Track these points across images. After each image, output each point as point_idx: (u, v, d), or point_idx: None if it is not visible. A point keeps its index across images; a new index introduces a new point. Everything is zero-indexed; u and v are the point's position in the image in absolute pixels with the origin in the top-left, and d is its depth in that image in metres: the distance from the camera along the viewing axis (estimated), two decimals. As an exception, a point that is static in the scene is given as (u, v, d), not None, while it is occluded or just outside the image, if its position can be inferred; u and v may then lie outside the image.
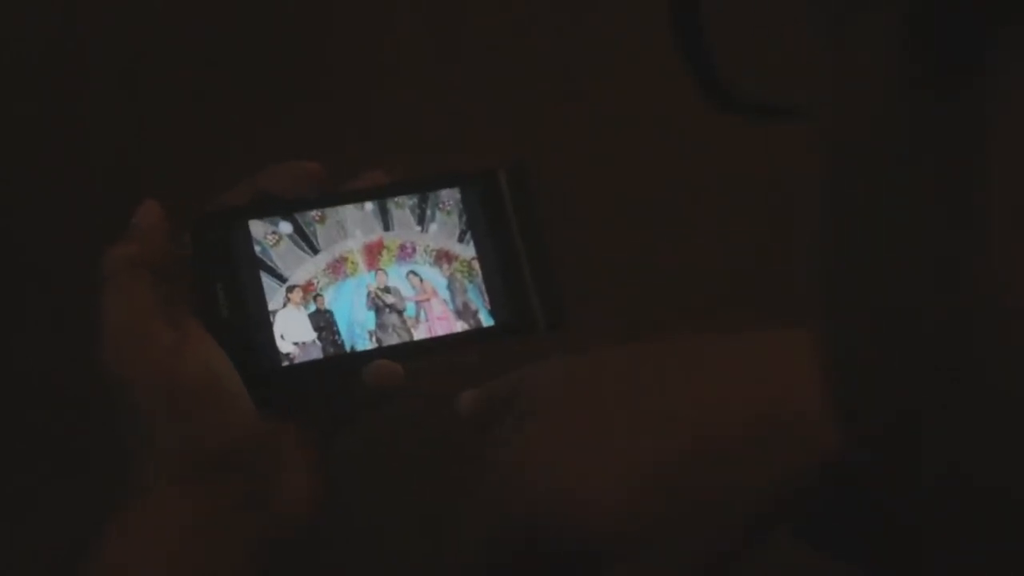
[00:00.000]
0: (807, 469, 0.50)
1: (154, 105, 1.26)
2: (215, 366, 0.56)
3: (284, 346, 0.59)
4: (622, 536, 0.49)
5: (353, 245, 0.60)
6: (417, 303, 0.60)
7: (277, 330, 0.59)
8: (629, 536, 0.49)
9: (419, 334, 0.60)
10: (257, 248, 0.59)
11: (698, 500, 0.50)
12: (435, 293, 0.61)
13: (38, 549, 1.00)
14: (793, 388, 0.51)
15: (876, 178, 0.32)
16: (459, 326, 0.60)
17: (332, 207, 0.60)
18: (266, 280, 0.59)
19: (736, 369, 0.53)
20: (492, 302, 0.61)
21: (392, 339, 0.60)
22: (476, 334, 0.60)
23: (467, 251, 0.61)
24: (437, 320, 0.60)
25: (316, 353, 0.59)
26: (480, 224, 0.61)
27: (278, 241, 0.60)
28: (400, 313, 0.60)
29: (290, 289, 0.59)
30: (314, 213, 0.60)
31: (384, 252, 0.61)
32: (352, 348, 0.59)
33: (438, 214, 0.61)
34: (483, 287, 0.61)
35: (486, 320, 0.61)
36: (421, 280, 0.61)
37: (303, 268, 0.60)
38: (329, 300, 0.60)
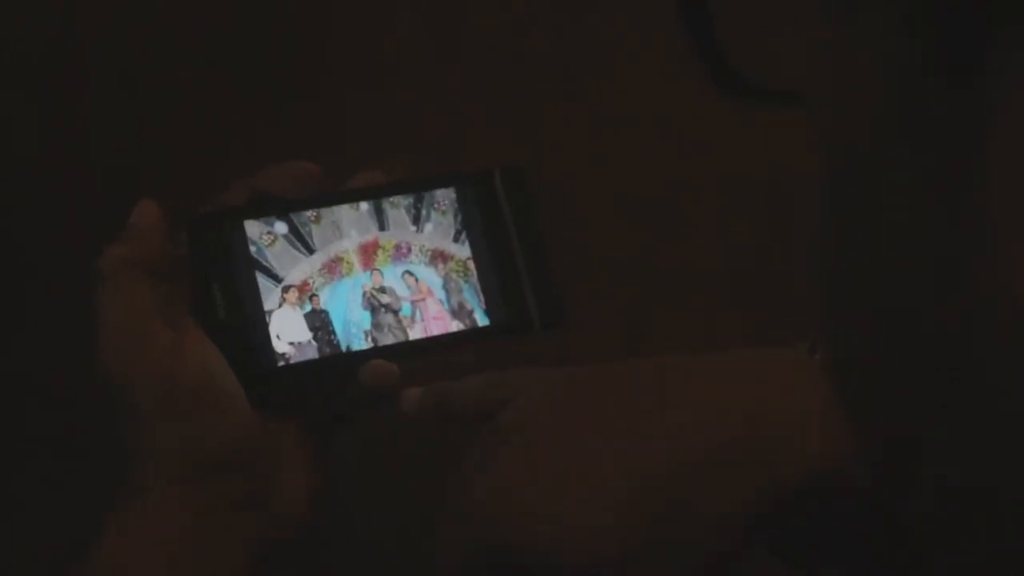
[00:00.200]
0: (790, 485, 0.50)
1: (154, 105, 1.26)
2: (212, 366, 0.56)
3: (280, 346, 0.59)
4: (605, 558, 0.49)
5: (348, 245, 0.60)
6: (413, 303, 0.60)
7: (273, 330, 0.59)
8: (612, 557, 0.49)
9: (415, 334, 0.60)
10: (253, 248, 0.59)
11: (681, 520, 0.50)
12: (431, 293, 0.61)
13: (38, 549, 1.00)
14: (776, 405, 0.51)
15: (876, 178, 0.32)
16: (455, 326, 0.60)
17: (327, 207, 0.60)
18: (262, 280, 0.59)
19: (719, 388, 0.53)
20: (488, 302, 0.61)
21: (388, 339, 0.60)
22: (472, 334, 0.60)
23: (462, 251, 0.61)
24: (433, 320, 0.60)
25: (312, 353, 0.59)
26: (475, 224, 0.61)
27: (274, 241, 0.60)
28: (396, 313, 0.60)
29: (286, 289, 0.59)
30: (309, 213, 0.60)
31: (379, 252, 0.61)
32: (348, 348, 0.59)
33: (433, 214, 0.61)
34: (478, 287, 0.61)
35: (482, 320, 0.61)
36: (417, 280, 0.61)
37: (299, 268, 0.60)
38: (325, 300, 0.60)
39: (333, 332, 0.59)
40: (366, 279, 0.60)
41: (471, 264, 0.61)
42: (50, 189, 1.22)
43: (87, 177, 1.23)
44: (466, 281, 0.61)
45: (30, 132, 1.24)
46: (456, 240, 0.61)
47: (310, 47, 1.29)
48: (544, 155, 1.17)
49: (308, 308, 0.59)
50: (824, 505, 0.51)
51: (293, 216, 0.60)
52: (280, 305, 0.59)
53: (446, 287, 0.61)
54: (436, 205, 0.62)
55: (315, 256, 0.60)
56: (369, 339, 0.60)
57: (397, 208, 0.61)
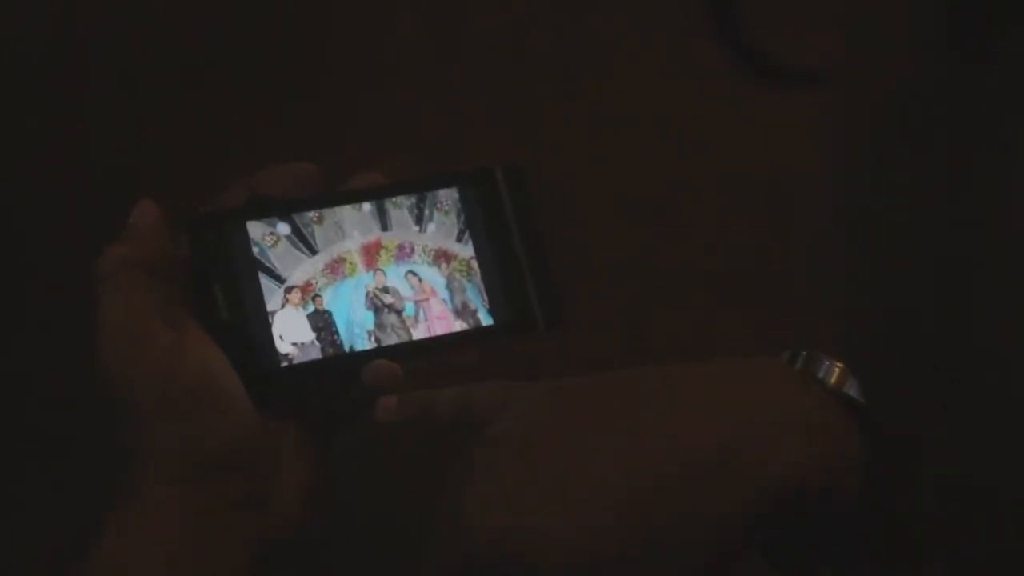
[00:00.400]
0: (771, 493, 0.50)
1: (154, 105, 1.26)
2: (213, 367, 0.56)
3: (283, 347, 0.59)
4: (605, 558, 0.49)
5: (351, 245, 0.60)
6: (416, 303, 0.60)
7: (276, 331, 0.59)
8: (612, 558, 0.49)
9: (418, 334, 0.60)
10: (255, 249, 0.59)
11: (681, 520, 0.50)
12: (434, 293, 0.61)
13: (38, 549, 1.00)
14: (757, 414, 0.51)
15: (878, 178, 0.32)
16: (458, 325, 0.60)
17: (330, 208, 0.60)
18: (264, 281, 0.59)
19: (700, 397, 0.53)
20: (491, 301, 0.61)
21: (391, 339, 0.60)
22: (475, 333, 0.60)
23: (466, 250, 0.61)
24: (436, 320, 0.60)
25: (315, 353, 0.59)
26: (478, 223, 0.61)
27: (276, 242, 0.60)
28: (399, 313, 0.60)
29: (288, 290, 0.59)
30: (312, 214, 0.60)
31: (382, 252, 0.61)
32: (351, 348, 0.59)
33: (436, 214, 0.61)
34: (482, 286, 0.61)
35: (485, 319, 0.61)
36: (420, 280, 0.61)
37: (301, 269, 0.60)
38: (327, 300, 0.60)
39: (336, 332, 0.59)
40: (369, 279, 0.60)
41: (474, 264, 0.61)
42: (50, 189, 1.22)
43: (87, 177, 1.23)
44: (469, 281, 0.61)
45: (30, 132, 1.24)
46: (459, 240, 0.61)
47: (310, 47, 1.29)
48: (544, 155, 1.17)
49: (311, 309, 0.59)
50: (819, 508, 0.51)
51: (295, 217, 0.60)
52: (283, 306, 0.59)
53: (449, 287, 0.61)
54: (439, 205, 0.62)
55: (318, 257, 0.60)
56: (372, 339, 0.60)
57: (400, 208, 0.61)
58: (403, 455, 1.01)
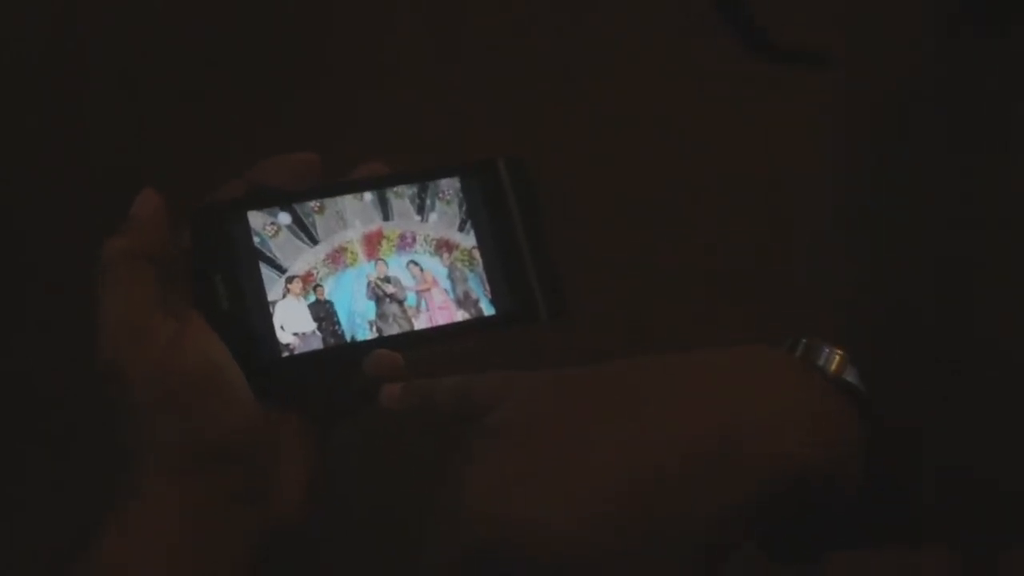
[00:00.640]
0: (773, 484, 0.50)
1: (154, 105, 1.26)
2: (215, 357, 0.56)
3: (284, 337, 0.58)
4: (606, 549, 0.49)
5: (352, 235, 0.60)
6: (418, 293, 0.60)
7: (277, 321, 0.58)
8: (614, 549, 0.49)
9: (420, 324, 0.60)
10: (256, 239, 0.59)
11: (662, 522, 0.49)
12: (436, 282, 0.60)
13: (38, 549, 1.00)
14: (758, 404, 0.51)
15: (878, 178, 0.32)
16: (460, 315, 0.60)
17: (331, 197, 0.60)
18: (265, 271, 0.59)
19: (701, 388, 0.53)
20: (493, 291, 0.61)
21: (393, 329, 0.60)
22: (477, 323, 0.60)
23: (467, 240, 0.61)
24: (438, 310, 0.60)
25: (316, 343, 0.59)
26: (480, 213, 0.61)
27: (277, 232, 0.59)
28: (400, 303, 0.60)
29: (289, 280, 0.59)
30: (313, 204, 0.60)
31: (384, 242, 0.61)
32: (352, 338, 0.59)
33: (438, 204, 0.61)
34: (484, 276, 0.61)
35: (487, 309, 0.61)
36: (421, 270, 0.60)
37: (302, 258, 0.59)
38: (329, 290, 0.59)
39: (337, 322, 0.59)
40: (371, 269, 0.60)
41: (476, 253, 0.61)
42: (50, 189, 1.23)
43: (87, 177, 1.23)
44: (471, 270, 0.61)
45: (30, 132, 1.24)
46: (461, 229, 0.61)
47: (310, 47, 1.30)
48: (544, 155, 1.17)
49: (312, 298, 0.59)
50: (821, 497, 0.51)
51: (296, 206, 0.60)
52: (284, 296, 0.59)
53: (451, 276, 0.61)
54: (441, 195, 0.61)
55: (319, 246, 0.60)
56: (374, 329, 0.60)
57: (401, 198, 0.61)
58: (402, 448, 1.01)
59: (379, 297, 0.60)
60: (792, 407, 0.51)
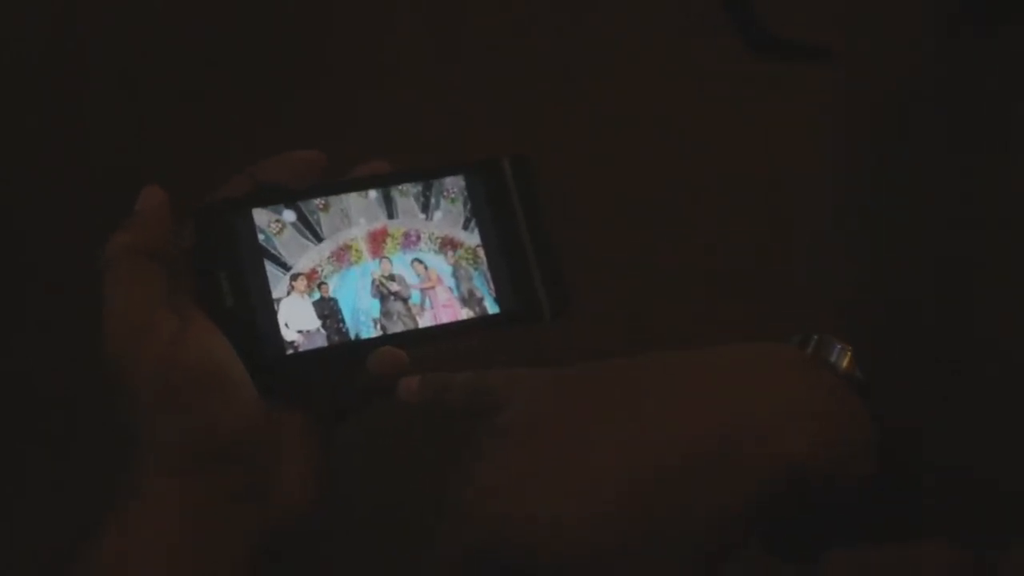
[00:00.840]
0: (773, 484, 0.50)
1: (154, 105, 1.26)
2: (218, 355, 0.56)
3: (288, 334, 0.58)
4: (606, 549, 0.49)
5: (357, 233, 0.60)
6: (422, 291, 0.60)
7: (281, 318, 0.58)
8: (613, 549, 0.49)
9: (424, 322, 0.60)
10: (260, 236, 0.59)
11: (662, 522, 0.49)
12: (440, 281, 0.60)
13: (38, 549, 1.00)
14: (759, 403, 0.51)
15: (878, 178, 0.32)
16: (464, 314, 0.60)
17: (336, 195, 0.60)
18: (270, 268, 0.59)
19: (702, 386, 0.53)
20: (497, 289, 0.61)
21: (397, 327, 0.59)
22: (481, 321, 0.60)
23: (472, 239, 0.61)
24: (442, 308, 0.60)
25: (320, 341, 0.58)
26: (485, 212, 0.61)
27: (281, 229, 0.59)
28: (405, 301, 0.60)
29: (294, 277, 0.59)
30: (318, 201, 0.60)
31: (388, 240, 0.60)
32: (357, 336, 0.59)
33: (442, 202, 0.61)
34: (488, 275, 0.61)
35: (491, 307, 0.60)
36: (426, 268, 0.60)
37: (307, 256, 0.59)
38: (333, 288, 0.59)
39: (342, 320, 0.59)
40: (375, 267, 0.60)
41: (480, 252, 0.61)
42: (50, 189, 1.23)
43: (87, 177, 1.23)
44: (476, 269, 0.61)
45: (30, 132, 1.24)
46: (465, 228, 0.61)
47: (310, 47, 1.30)
48: (544, 155, 1.17)
49: (317, 296, 0.59)
50: (822, 496, 0.51)
51: (301, 204, 0.60)
52: (288, 293, 0.59)
53: (455, 275, 0.61)
54: (445, 193, 0.61)
55: (324, 244, 0.60)
56: (378, 327, 0.59)
57: (406, 196, 0.61)
58: (406, 447, 1.01)
59: (383, 295, 0.60)
60: (794, 407, 0.51)
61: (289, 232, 0.60)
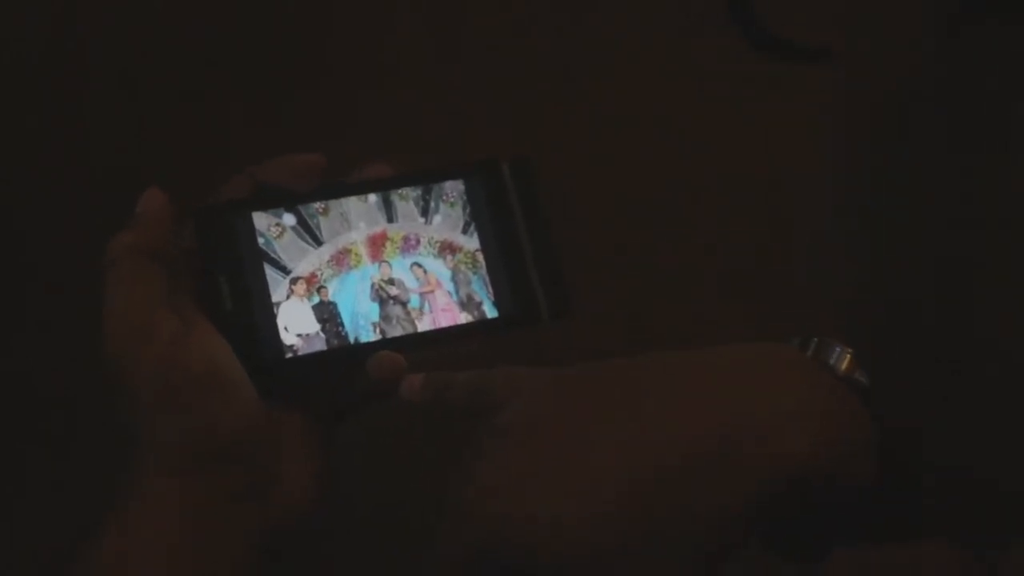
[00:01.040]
0: (773, 484, 0.50)
1: (154, 105, 1.26)
2: (219, 356, 0.56)
3: (288, 338, 0.58)
4: (606, 549, 0.49)
5: (357, 237, 0.60)
6: (421, 295, 0.60)
7: (281, 322, 0.58)
8: (613, 549, 0.49)
9: (423, 326, 0.60)
10: (261, 240, 0.59)
11: (662, 522, 0.49)
12: (439, 285, 0.60)
13: (38, 549, 1.00)
14: (762, 401, 0.51)
15: (878, 178, 0.32)
16: (463, 318, 0.60)
17: (335, 199, 0.60)
18: (270, 272, 0.59)
19: (702, 387, 0.53)
20: (496, 293, 0.61)
21: (396, 331, 0.59)
22: (480, 325, 0.60)
23: (471, 243, 0.61)
24: (441, 312, 0.60)
25: (320, 345, 0.58)
26: (484, 216, 0.61)
27: (282, 233, 0.59)
28: (404, 305, 0.60)
29: (294, 281, 0.59)
30: (318, 205, 0.60)
31: (388, 244, 0.60)
32: (356, 340, 0.59)
33: (442, 206, 0.61)
34: (487, 279, 0.61)
35: (490, 312, 0.60)
36: (425, 272, 0.60)
37: (307, 260, 0.59)
38: (333, 292, 0.59)
39: (341, 324, 0.59)
40: (374, 271, 0.60)
41: (480, 256, 0.61)
42: (50, 189, 1.23)
43: (87, 177, 1.23)
44: (475, 273, 0.61)
45: (30, 132, 1.24)
46: (465, 232, 0.61)
47: (310, 47, 1.30)
48: (544, 155, 1.17)
49: (316, 300, 0.59)
50: (823, 496, 0.51)
51: (301, 208, 0.60)
52: (288, 297, 0.59)
53: (455, 279, 0.61)
54: (445, 197, 0.61)
55: (323, 248, 0.60)
56: (377, 331, 0.60)
57: (406, 200, 0.61)
58: (407, 447, 1.01)
59: (383, 299, 0.60)
60: (794, 407, 0.51)
61: (289, 236, 0.60)
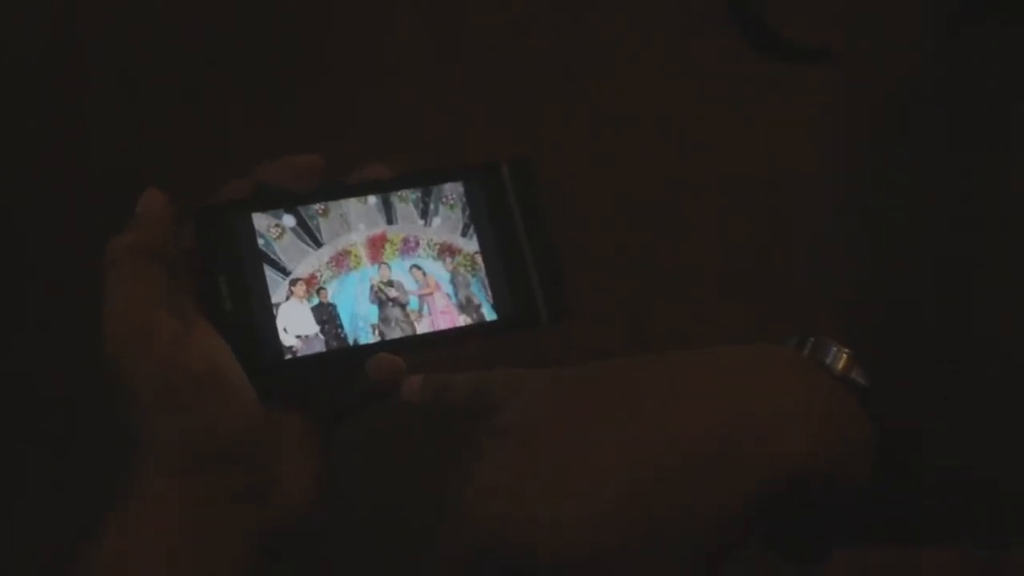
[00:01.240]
0: (773, 484, 0.50)
1: (154, 105, 1.26)
2: (218, 357, 0.56)
3: (287, 339, 0.58)
4: (606, 549, 0.49)
5: (356, 238, 0.60)
6: (420, 297, 0.60)
7: (280, 323, 0.58)
8: (613, 549, 0.49)
9: (422, 328, 0.60)
10: (260, 241, 0.59)
11: (662, 522, 0.49)
12: (438, 287, 0.60)
13: (38, 549, 1.00)
14: (761, 402, 0.51)
15: (878, 178, 0.32)
16: (462, 320, 0.60)
17: (335, 200, 0.60)
18: (269, 273, 0.59)
19: (702, 387, 0.53)
20: (495, 296, 0.61)
21: (395, 333, 0.59)
22: (479, 328, 0.60)
23: (470, 245, 0.61)
24: (440, 314, 0.60)
25: (319, 346, 0.59)
26: (483, 218, 0.61)
27: (281, 234, 0.59)
28: (403, 307, 0.60)
29: (293, 282, 0.59)
30: (317, 206, 0.60)
31: (387, 246, 0.61)
32: (355, 342, 0.59)
33: (441, 208, 0.61)
34: (486, 281, 0.61)
35: (489, 314, 0.61)
36: (424, 274, 0.60)
37: (306, 261, 0.59)
38: (332, 293, 0.59)
39: (340, 326, 0.59)
40: (374, 273, 0.60)
41: (479, 258, 0.61)
42: (50, 189, 1.23)
43: (87, 177, 1.23)
44: (474, 275, 0.61)
45: (30, 132, 1.24)
46: (464, 234, 0.61)
47: (310, 47, 1.30)
48: (544, 155, 1.17)
49: (315, 301, 0.59)
50: (823, 496, 0.51)
51: (301, 209, 0.60)
52: (287, 298, 0.59)
53: (454, 281, 0.61)
54: (444, 199, 0.62)
55: (323, 249, 0.60)
56: (376, 333, 0.60)
57: (405, 202, 0.61)
58: (407, 447, 1.01)
59: (382, 301, 0.60)
60: (794, 407, 0.51)
61: (289, 237, 0.60)
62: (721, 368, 0.53)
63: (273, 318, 0.58)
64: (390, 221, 0.61)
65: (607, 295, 1.19)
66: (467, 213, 0.61)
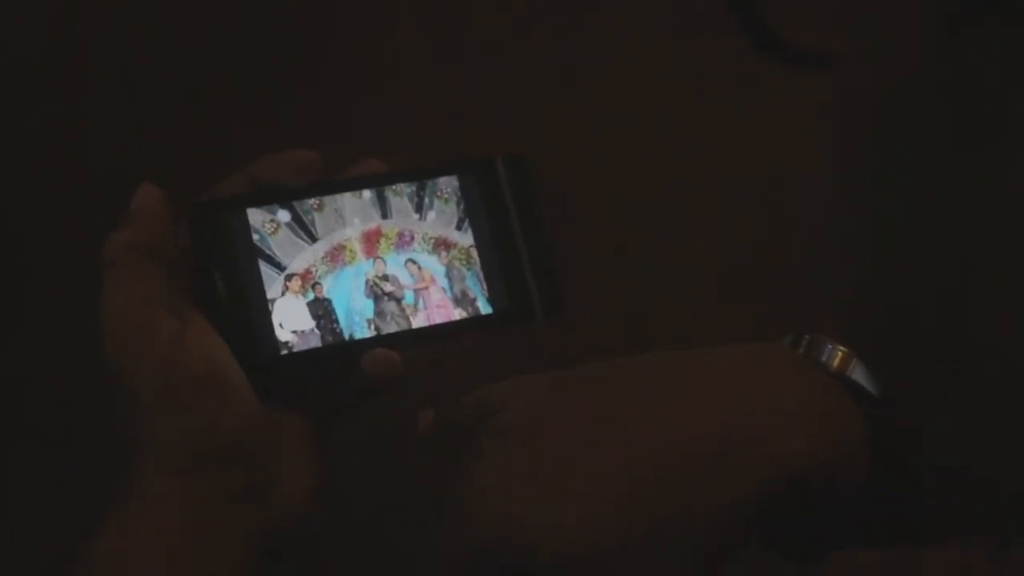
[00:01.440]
0: (773, 484, 0.50)
1: (154, 105, 1.26)
2: (218, 356, 0.56)
3: (283, 335, 0.58)
4: (606, 549, 0.49)
5: (351, 233, 0.60)
6: (415, 291, 0.60)
7: (276, 319, 0.58)
8: (613, 549, 0.49)
9: (417, 322, 0.60)
10: (255, 236, 0.59)
11: (662, 522, 0.50)
12: (433, 281, 0.61)
13: (38, 549, 1.00)
14: (761, 402, 0.51)
15: (878, 178, 0.32)
16: (457, 314, 0.60)
17: (330, 195, 0.60)
18: (264, 268, 0.59)
19: (701, 387, 0.53)
20: (490, 290, 0.61)
21: (390, 327, 0.60)
22: (474, 322, 0.60)
23: (465, 239, 0.61)
24: (435, 308, 0.60)
25: (315, 341, 0.59)
26: (478, 212, 0.61)
27: (276, 229, 0.60)
28: (398, 301, 0.60)
29: (288, 277, 0.59)
30: (312, 201, 0.60)
31: (382, 240, 0.61)
32: (351, 336, 0.59)
33: (436, 202, 0.61)
34: (481, 275, 0.61)
35: (484, 308, 0.61)
36: (419, 268, 0.61)
37: (301, 256, 0.60)
38: (327, 288, 0.60)
39: (336, 320, 0.59)
40: (369, 267, 0.60)
41: (474, 252, 0.61)
42: (50, 189, 1.23)
43: (87, 177, 1.23)
44: (469, 269, 0.61)
45: (30, 132, 1.24)
46: (459, 228, 0.61)
47: (310, 47, 1.30)
48: (544, 155, 1.17)
49: (311, 296, 0.59)
50: (822, 496, 0.51)
51: (296, 204, 0.60)
52: (283, 293, 0.59)
53: (449, 275, 0.61)
54: (439, 193, 0.62)
55: (318, 244, 0.60)
56: (372, 327, 0.60)
57: (400, 196, 0.61)
58: (407, 447, 1.01)
59: (377, 295, 0.60)
60: (793, 406, 0.51)
61: (284, 232, 0.60)
62: (721, 368, 0.53)
63: (269, 314, 0.58)
64: (385, 215, 0.61)
65: (607, 295, 1.19)
66: (462, 207, 0.62)
